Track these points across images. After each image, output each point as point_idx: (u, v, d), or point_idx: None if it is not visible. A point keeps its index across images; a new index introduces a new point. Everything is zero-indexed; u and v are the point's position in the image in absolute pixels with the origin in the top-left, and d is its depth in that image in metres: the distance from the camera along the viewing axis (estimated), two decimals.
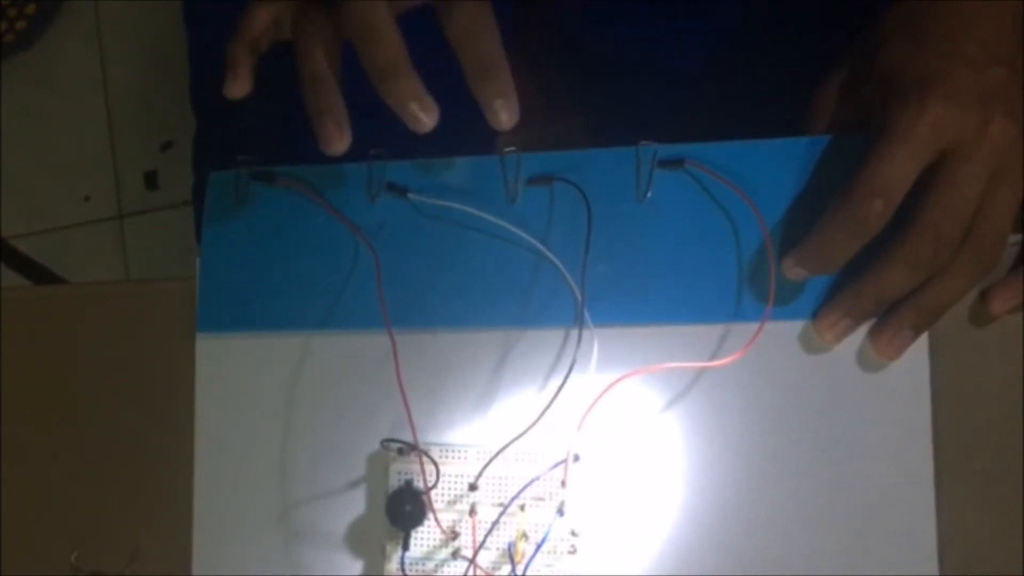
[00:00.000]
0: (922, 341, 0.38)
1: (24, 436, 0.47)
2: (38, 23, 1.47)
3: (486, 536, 0.39)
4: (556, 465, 0.38)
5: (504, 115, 0.35)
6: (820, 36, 0.49)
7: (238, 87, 0.39)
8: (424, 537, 0.40)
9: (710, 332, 0.39)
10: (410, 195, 0.42)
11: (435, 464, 0.39)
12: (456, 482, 0.40)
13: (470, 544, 0.39)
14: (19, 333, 0.48)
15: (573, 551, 0.38)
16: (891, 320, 0.37)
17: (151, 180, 1.41)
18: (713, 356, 0.39)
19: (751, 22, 0.52)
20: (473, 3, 0.35)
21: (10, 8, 1.45)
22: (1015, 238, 0.39)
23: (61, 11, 1.48)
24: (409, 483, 0.40)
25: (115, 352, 0.46)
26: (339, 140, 0.37)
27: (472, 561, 0.38)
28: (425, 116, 0.36)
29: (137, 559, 0.45)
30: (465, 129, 0.60)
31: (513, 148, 0.41)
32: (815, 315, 0.38)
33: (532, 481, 0.38)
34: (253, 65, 0.40)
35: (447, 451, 0.40)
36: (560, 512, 0.38)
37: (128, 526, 0.45)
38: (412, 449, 0.39)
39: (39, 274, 1.16)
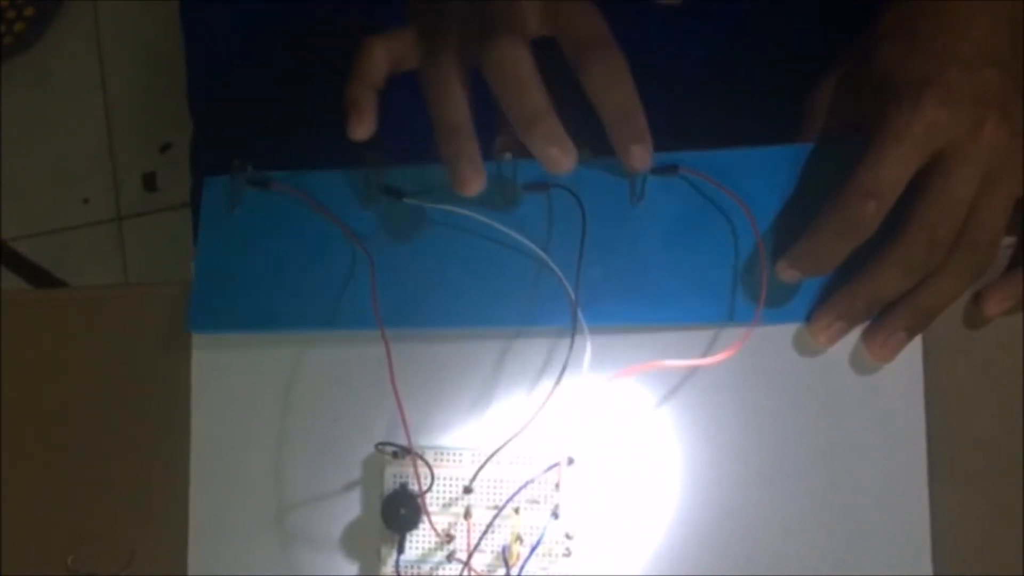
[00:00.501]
0: (916, 343, 0.38)
1: (22, 439, 0.47)
2: (37, 25, 1.47)
3: (481, 539, 0.39)
4: (550, 468, 0.39)
5: (639, 158, 0.37)
6: (818, 38, 0.49)
7: (363, 130, 0.40)
8: (419, 540, 0.40)
9: (704, 334, 0.39)
10: (406, 199, 0.42)
11: (429, 467, 0.39)
12: (451, 485, 0.40)
13: (465, 547, 0.39)
14: (18, 336, 0.48)
15: (568, 553, 0.39)
16: (885, 322, 0.37)
17: (150, 182, 1.41)
18: (706, 357, 0.39)
19: (749, 24, 0.52)
20: (610, 53, 0.37)
21: (8, 10, 1.45)
22: (1009, 240, 0.39)
23: (60, 13, 1.48)
24: (404, 486, 0.40)
25: (112, 355, 0.46)
26: (475, 181, 0.37)
27: (467, 564, 0.39)
28: (566, 159, 0.37)
29: (133, 562, 0.45)
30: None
31: (510, 154, 0.41)
32: (809, 317, 0.38)
33: (527, 484, 0.38)
34: (376, 104, 0.40)
35: (442, 454, 0.40)
36: (555, 515, 0.38)
37: (124, 529, 0.45)
38: (407, 452, 0.39)
39: (38, 276, 1.16)
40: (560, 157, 0.37)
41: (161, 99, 1.40)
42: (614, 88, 0.37)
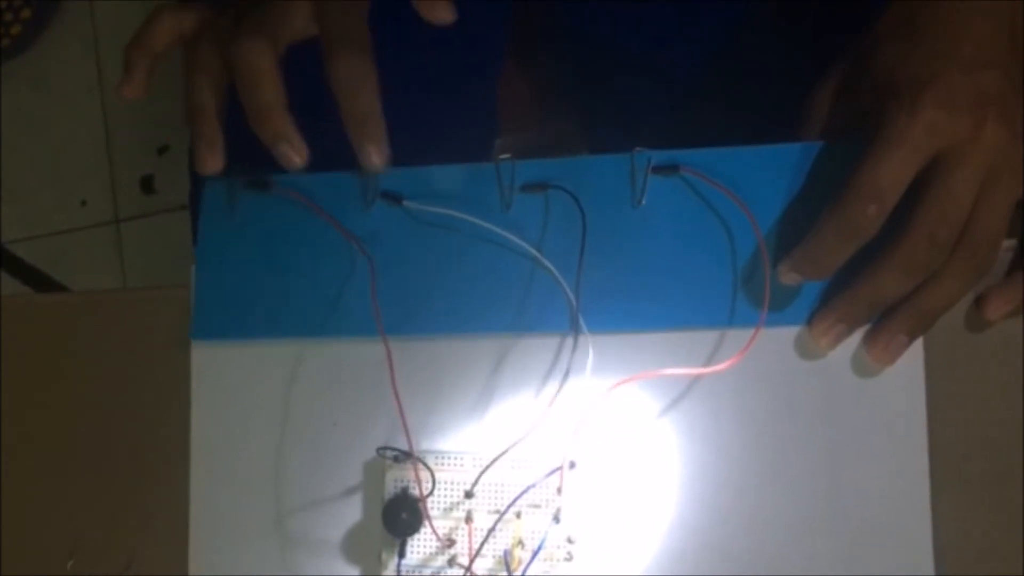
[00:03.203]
0: (917, 346, 0.38)
1: (22, 443, 0.47)
2: (34, 27, 1.46)
3: (482, 543, 0.39)
4: (552, 472, 0.38)
5: (375, 159, 0.38)
6: (818, 38, 0.49)
7: (131, 89, 0.41)
8: (420, 544, 0.39)
9: (705, 338, 0.39)
10: (405, 203, 0.42)
11: (431, 471, 0.39)
12: (452, 489, 0.39)
13: (466, 551, 0.39)
14: (18, 341, 0.48)
15: (569, 558, 0.38)
16: (886, 325, 0.37)
17: (148, 184, 1.40)
18: (708, 361, 0.39)
19: (749, 24, 0.52)
20: (355, 55, 0.38)
21: (6, 12, 1.45)
22: (1010, 243, 0.39)
23: (57, 15, 1.48)
24: (405, 490, 0.40)
25: (112, 359, 0.46)
26: (212, 162, 0.39)
27: (468, 569, 0.38)
28: (295, 156, 0.38)
29: (133, 566, 0.45)
30: (461, 134, 0.60)
31: (508, 155, 0.41)
32: (810, 320, 0.38)
33: (528, 488, 0.38)
34: (151, 70, 0.41)
35: (443, 458, 0.40)
36: (556, 519, 0.38)
37: (124, 533, 0.45)
38: (408, 457, 0.39)
39: (37, 279, 1.16)
40: (289, 152, 0.38)
41: (159, 101, 1.39)
42: (357, 92, 0.37)
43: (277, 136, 0.37)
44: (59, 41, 1.48)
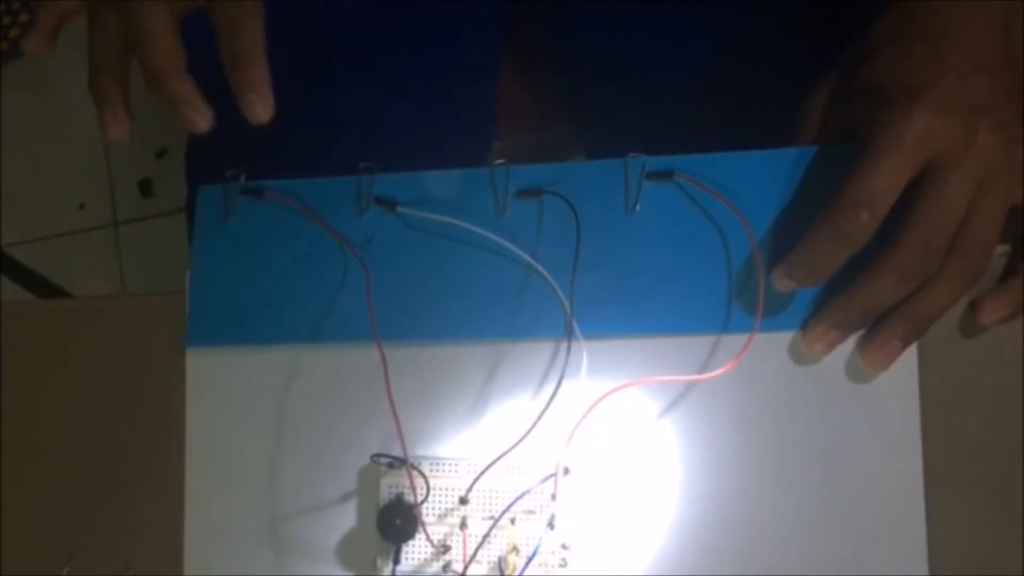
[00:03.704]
0: (911, 351, 0.38)
1: (20, 446, 0.47)
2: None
3: (477, 549, 0.39)
4: (547, 478, 0.38)
5: (258, 109, 0.36)
6: (814, 45, 0.49)
7: (35, 45, 0.40)
8: (415, 550, 0.39)
9: (700, 343, 0.39)
10: (399, 208, 0.42)
11: (425, 478, 0.39)
12: (447, 495, 0.39)
13: (461, 557, 0.39)
14: (16, 346, 0.48)
15: (564, 564, 0.38)
16: (880, 331, 0.37)
17: (146, 188, 1.41)
18: (703, 367, 0.39)
19: (745, 30, 0.52)
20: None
21: (4, 16, 1.45)
22: (1003, 248, 0.39)
23: None
24: (400, 497, 0.40)
25: (110, 364, 0.46)
26: (115, 125, 0.38)
27: (463, 574, 0.38)
28: (198, 117, 0.37)
29: (130, 569, 0.45)
30: (457, 137, 0.60)
31: (503, 161, 0.41)
32: (804, 326, 0.38)
33: (523, 494, 0.38)
34: (58, 27, 0.40)
35: (437, 464, 0.40)
36: (551, 525, 0.38)
37: (121, 538, 0.45)
38: (402, 463, 0.39)
39: (35, 282, 1.16)
40: (191, 115, 0.37)
41: (156, 105, 1.39)
42: (237, 30, 0.36)
43: (176, 99, 0.37)
44: (58, 44, 1.47)
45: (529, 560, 0.38)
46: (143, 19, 0.37)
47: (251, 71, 0.36)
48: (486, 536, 0.39)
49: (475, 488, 0.39)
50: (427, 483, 0.39)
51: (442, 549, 0.39)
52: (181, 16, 0.38)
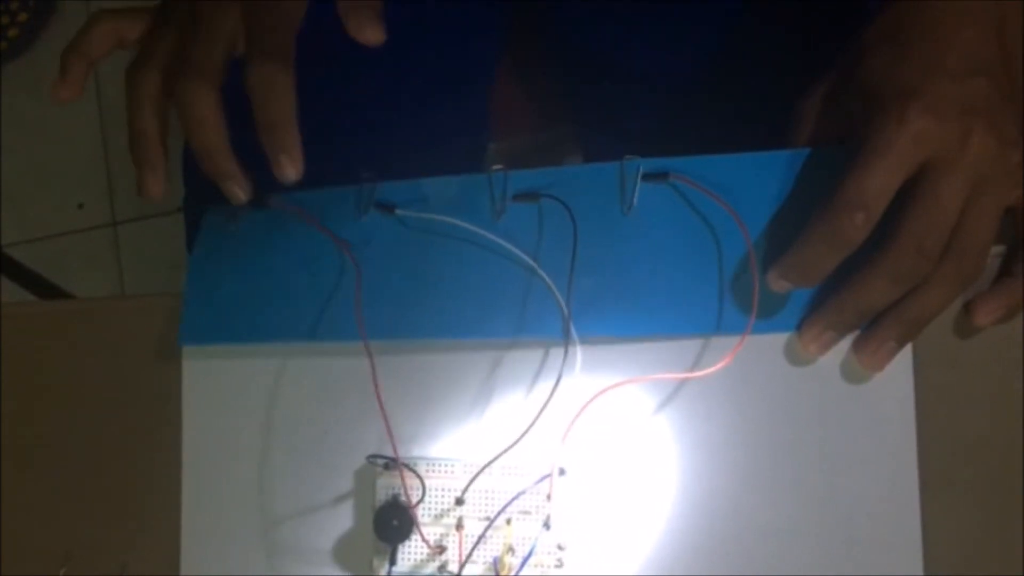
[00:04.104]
0: (906, 352, 0.38)
1: (17, 450, 0.47)
2: (31, 30, 1.46)
3: (472, 550, 0.39)
4: (542, 479, 0.39)
5: (289, 170, 0.38)
6: (810, 45, 0.49)
7: (66, 92, 0.41)
8: (411, 551, 0.40)
9: (695, 344, 0.39)
10: (398, 211, 0.42)
11: (420, 479, 0.39)
12: (443, 496, 0.40)
13: (457, 558, 0.39)
14: (16, 348, 0.48)
15: (560, 565, 0.39)
16: (875, 332, 0.37)
17: None
18: (698, 368, 0.39)
19: (742, 30, 0.52)
20: (271, 62, 0.38)
21: (3, 15, 1.45)
22: (998, 249, 0.39)
23: (54, 18, 1.48)
24: (396, 497, 0.40)
25: (107, 366, 0.46)
26: (155, 187, 0.40)
27: (459, 575, 0.39)
28: (241, 192, 0.39)
29: (126, 571, 0.45)
30: (454, 139, 0.60)
31: (500, 166, 0.41)
32: (799, 327, 0.38)
33: (518, 495, 0.38)
34: (87, 73, 0.42)
35: (433, 465, 0.40)
36: (546, 526, 0.38)
37: (117, 540, 0.45)
38: (397, 464, 0.39)
39: (34, 282, 1.16)
40: (235, 190, 0.39)
41: None
42: (270, 99, 0.38)
43: (223, 176, 0.39)
44: (56, 44, 1.47)
45: (525, 560, 0.38)
46: (194, 106, 0.38)
47: (284, 136, 0.38)
48: (482, 536, 0.39)
49: (471, 489, 0.39)
50: (423, 484, 0.39)
51: (438, 550, 0.39)
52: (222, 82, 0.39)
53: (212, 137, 0.39)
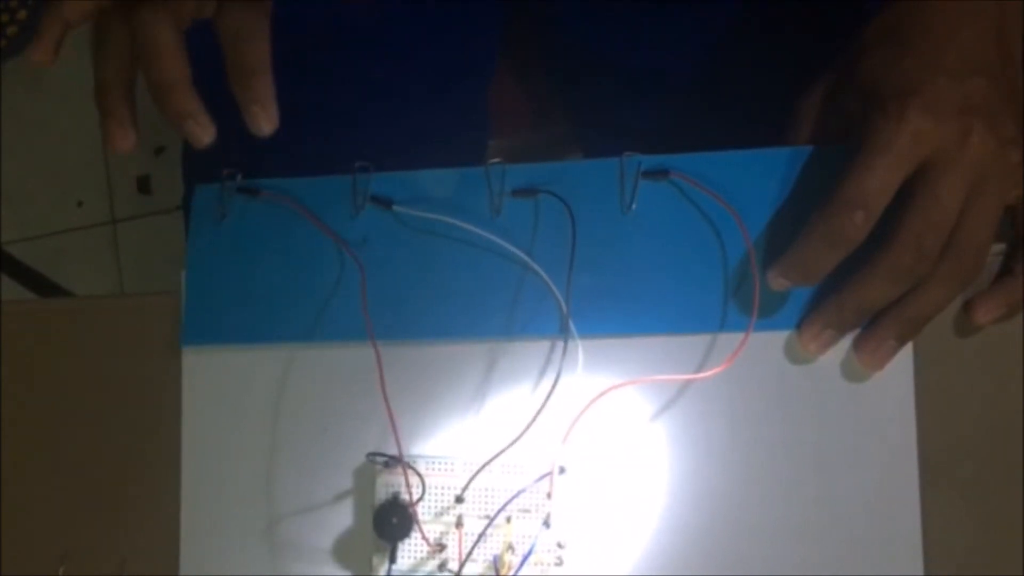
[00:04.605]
0: (906, 351, 0.38)
1: (16, 447, 0.47)
2: (30, 29, 1.46)
3: (472, 548, 0.39)
4: (542, 477, 0.39)
5: (262, 122, 0.36)
6: (809, 44, 0.49)
7: (40, 55, 0.38)
8: (411, 549, 0.40)
9: (695, 343, 0.39)
10: (395, 207, 0.42)
11: (420, 477, 0.39)
12: (442, 494, 0.40)
13: (457, 556, 0.39)
14: (16, 346, 0.48)
15: (559, 563, 0.39)
16: (874, 331, 0.37)
17: (144, 185, 1.40)
18: (698, 366, 0.39)
19: (740, 29, 0.52)
20: (246, 7, 0.36)
21: (2, 14, 1.45)
22: (998, 247, 0.39)
23: None
24: (396, 496, 0.40)
25: (107, 364, 0.46)
26: (122, 139, 0.37)
27: (458, 573, 0.39)
28: (202, 132, 0.36)
29: (125, 569, 0.45)
30: (453, 136, 0.60)
31: (498, 160, 0.41)
32: (799, 325, 0.38)
33: (518, 493, 0.38)
34: (62, 38, 0.39)
35: (433, 463, 0.40)
36: (546, 524, 0.38)
37: (116, 538, 0.45)
38: (398, 462, 0.39)
39: (33, 280, 1.16)
40: (196, 131, 0.36)
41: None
42: (243, 43, 0.36)
43: (181, 114, 0.36)
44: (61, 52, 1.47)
45: (525, 559, 0.38)
46: (149, 34, 0.36)
47: (257, 85, 0.36)
48: (482, 535, 0.39)
49: (471, 487, 0.39)
50: (423, 482, 0.39)
51: (438, 548, 0.39)
52: (186, 26, 0.38)
53: (171, 69, 0.36)
